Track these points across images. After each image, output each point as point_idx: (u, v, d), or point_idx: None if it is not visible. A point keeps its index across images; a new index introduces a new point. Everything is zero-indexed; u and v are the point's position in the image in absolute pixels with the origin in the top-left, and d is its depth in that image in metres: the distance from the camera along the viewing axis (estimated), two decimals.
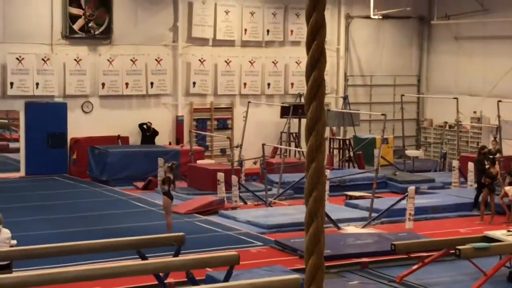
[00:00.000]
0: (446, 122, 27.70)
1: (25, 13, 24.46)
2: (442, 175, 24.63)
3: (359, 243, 15.96)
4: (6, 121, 35.21)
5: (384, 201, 19.69)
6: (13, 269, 12.17)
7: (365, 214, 18.86)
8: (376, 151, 22.73)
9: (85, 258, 13.44)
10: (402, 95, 27.84)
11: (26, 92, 24.60)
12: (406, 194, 17.81)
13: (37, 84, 24.70)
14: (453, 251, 13.22)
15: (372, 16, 28.89)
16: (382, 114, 20.78)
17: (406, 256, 14.39)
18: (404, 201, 17.95)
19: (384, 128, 20.58)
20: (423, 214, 19.00)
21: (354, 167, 26.32)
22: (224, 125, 27.94)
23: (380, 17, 29.23)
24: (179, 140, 26.51)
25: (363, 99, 30.34)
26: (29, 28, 24.48)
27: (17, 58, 24.39)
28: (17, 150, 26.64)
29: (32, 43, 24.53)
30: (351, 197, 21.16)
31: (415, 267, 14.00)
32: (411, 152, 27.81)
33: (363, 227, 17.98)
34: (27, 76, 24.55)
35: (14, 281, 9.93)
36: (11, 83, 24.39)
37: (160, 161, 22.69)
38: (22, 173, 24.96)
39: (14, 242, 12.76)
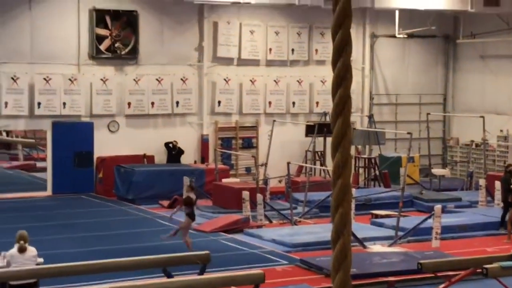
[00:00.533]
0: (472, 141, 27.55)
1: (53, 34, 24.73)
2: (469, 194, 24.46)
3: (385, 262, 15.88)
4: (33, 140, 35.57)
5: (410, 220, 19.59)
6: (40, 287, 12.25)
7: (391, 233, 18.77)
8: (402, 170, 22.64)
9: (111, 276, 13.49)
10: (428, 114, 27.74)
11: (53, 111, 24.81)
12: (432, 213, 17.71)
13: (64, 104, 24.91)
14: (480, 270, 13.11)
15: (397, 35, 28.89)
16: (408, 133, 20.72)
17: (433, 275, 14.29)
18: (430, 220, 17.85)
19: (410, 146, 20.52)
20: (449, 233, 18.87)
21: (379, 185, 26.22)
22: (249, 144, 27.98)
23: (405, 36, 29.21)
24: (204, 159, 26.59)
25: (388, 117, 30.27)
26: (56, 49, 24.74)
27: (44, 79, 24.63)
28: (44, 169, 26.86)
29: (59, 64, 24.78)
30: (377, 216, 21.08)
31: (441, 286, 13.89)
32: (437, 171, 27.66)
33: (389, 246, 17.90)
34: (54, 96, 24.78)
35: None
36: (39, 103, 24.62)
37: (186, 179, 22.76)
38: (49, 192, 25.13)
39: (40, 260, 12.84)
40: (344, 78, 2.75)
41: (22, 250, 12.25)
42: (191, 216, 16.86)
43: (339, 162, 2.75)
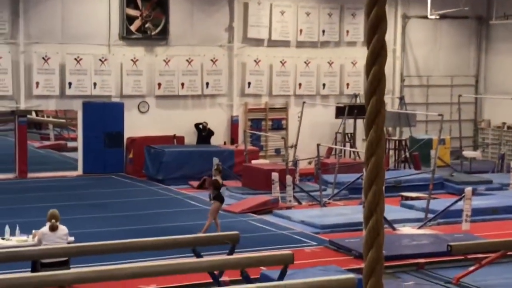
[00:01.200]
0: (504, 123, 27.30)
1: (83, 15, 24.83)
2: (500, 177, 24.29)
3: (414, 244, 15.83)
4: (64, 120, 35.83)
5: (441, 202, 19.49)
6: (71, 266, 12.37)
7: (421, 215, 18.69)
8: (432, 152, 22.51)
9: (141, 255, 13.59)
10: (459, 96, 27.52)
11: (84, 92, 24.96)
12: (463, 195, 17.61)
13: (95, 84, 25.05)
14: (511, 253, 13.02)
15: (429, 16, 28.62)
16: (439, 115, 20.56)
17: (463, 257, 14.23)
18: (461, 202, 17.75)
19: (441, 128, 20.36)
20: (480, 216, 18.76)
21: (410, 168, 26.11)
22: (278, 125, 27.96)
23: (438, 17, 28.93)
24: (233, 140, 26.62)
25: (419, 99, 30.09)
26: (87, 29, 24.85)
27: (75, 59, 24.76)
28: (75, 149, 27.06)
29: (90, 44, 24.89)
30: (407, 198, 21.01)
31: (472, 268, 13.83)
32: (468, 153, 27.48)
33: (419, 228, 17.83)
34: (85, 76, 24.91)
35: (75, 277, 10.09)
36: (70, 83, 24.77)
37: (215, 160, 22.84)
38: (79, 171, 25.33)
39: (71, 239, 12.98)
40: (379, 55, 2.72)
41: (53, 228, 12.38)
42: (219, 198, 16.85)
43: (373, 140, 2.73)
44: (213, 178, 17.25)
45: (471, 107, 30.84)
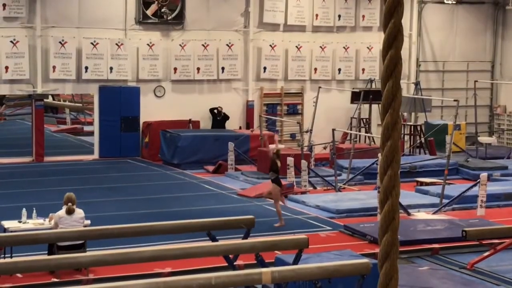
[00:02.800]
0: None
1: None
2: None
3: (429, 229, 15.84)
4: (80, 104, 35.98)
5: (456, 188, 19.47)
6: (87, 249, 12.47)
7: (436, 200, 18.69)
8: (448, 138, 22.48)
9: (156, 239, 13.66)
10: (475, 81, 27.39)
11: (100, 76, 25.03)
12: (478, 180, 17.59)
13: (111, 68, 25.11)
14: None
15: (445, 1, 28.49)
16: (455, 100, 20.51)
17: (478, 242, 14.23)
18: (476, 188, 17.73)
19: (456, 114, 20.29)
20: (495, 201, 18.74)
21: (425, 153, 26.06)
22: (294, 110, 27.96)
23: (454, 2, 28.79)
24: (249, 124, 26.64)
25: (435, 85, 29.99)
26: (103, 14, 24.89)
27: (91, 43, 24.83)
28: (91, 133, 27.20)
29: (106, 28, 24.94)
30: (422, 183, 20.99)
31: (486, 254, 13.84)
32: (483, 139, 27.38)
33: (434, 213, 17.83)
34: (101, 60, 24.97)
35: (91, 260, 10.17)
36: (86, 68, 24.85)
37: (230, 145, 22.88)
38: (96, 155, 25.44)
39: (87, 222, 13.06)
40: (395, 39, 2.75)
41: (70, 212, 12.47)
42: (277, 181, 16.68)
43: (389, 124, 2.75)
44: (276, 162, 16.93)
45: (486, 93, 30.71)
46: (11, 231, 12.70)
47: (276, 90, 27.60)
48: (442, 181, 19.27)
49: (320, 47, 27.85)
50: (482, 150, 26.46)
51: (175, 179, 22.26)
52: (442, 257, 14.53)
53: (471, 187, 18.10)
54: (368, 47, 28.49)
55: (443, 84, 30.11)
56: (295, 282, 11.00)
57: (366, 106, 26.64)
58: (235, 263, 12.38)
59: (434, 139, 25.70)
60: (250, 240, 12.31)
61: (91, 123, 28.51)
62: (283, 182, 20.06)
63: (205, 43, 26.20)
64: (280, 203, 16.92)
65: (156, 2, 25.47)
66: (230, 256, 12.12)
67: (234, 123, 26.51)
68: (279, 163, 16.84)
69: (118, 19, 25.20)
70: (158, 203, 18.60)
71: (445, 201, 18.33)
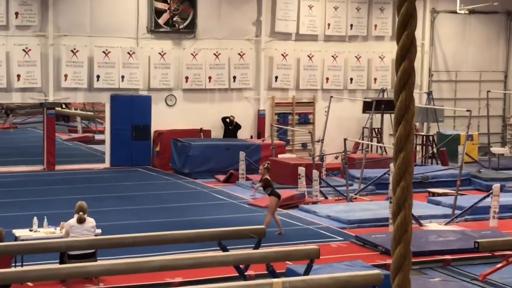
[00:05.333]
0: None
1: (112, 8, 24.96)
2: None
3: (441, 240, 15.75)
4: (92, 113, 36.07)
5: (468, 199, 19.38)
6: (97, 258, 12.45)
7: (448, 211, 18.59)
8: (460, 148, 22.39)
9: (167, 248, 13.64)
10: (488, 91, 27.32)
11: (111, 85, 25.09)
12: (490, 191, 17.49)
13: (123, 77, 25.17)
14: None
15: (458, 11, 28.44)
16: (467, 110, 20.42)
17: (490, 254, 14.13)
18: (488, 199, 17.63)
19: (469, 124, 20.23)
20: (508, 212, 18.62)
21: (437, 163, 25.97)
22: (305, 120, 27.94)
23: (467, 12, 28.75)
24: (260, 134, 26.63)
25: (447, 95, 29.92)
26: (115, 22, 24.97)
27: (103, 52, 24.90)
28: (102, 142, 27.26)
29: (118, 37, 25.01)
30: (434, 194, 20.91)
31: (499, 265, 13.74)
32: (496, 149, 27.27)
33: (446, 224, 17.74)
34: (113, 69, 25.04)
35: (101, 269, 10.16)
36: (98, 76, 24.91)
37: (242, 154, 22.86)
38: (107, 164, 25.49)
39: (98, 231, 13.05)
40: (409, 50, 2.72)
41: (81, 220, 12.46)
42: (274, 194, 16.69)
43: (402, 136, 2.73)
44: (264, 177, 17.03)
45: (499, 103, 30.61)
46: (22, 240, 12.70)
47: (288, 100, 27.60)
48: (454, 191, 19.17)
49: (332, 56, 27.85)
50: (495, 160, 26.36)
51: (186, 188, 22.25)
52: (454, 268, 14.45)
53: (484, 198, 18.00)
54: (380, 57, 28.46)
55: (456, 94, 30.04)
56: None
57: (378, 115, 26.59)
58: (246, 273, 12.35)
59: (446, 150, 25.62)
60: (261, 250, 12.28)
61: (102, 132, 28.55)
62: (294, 192, 20.06)
63: (217, 52, 26.24)
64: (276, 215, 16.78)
65: (168, 11, 25.53)
66: (241, 266, 12.09)
67: (245, 132, 26.52)
68: (269, 177, 16.84)
69: (130, 28, 25.27)
70: (169, 212, 18.59)
71: (457, 212, 18.24)
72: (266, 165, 17.62)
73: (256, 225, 13.80)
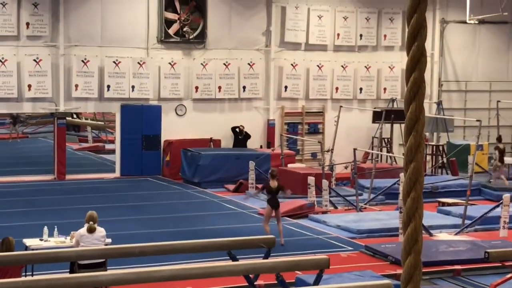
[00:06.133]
0: None
1: (122, 18, 25.06)
2: None
3: (451, 250, 15.72)
4: (102, 123, 36.16)
5: (478, 209, 19.33)
6: (108, 267, 12.47)
7: (458, 221, 18.56)
8: (470, 158, 22.34)
9: (177, 258, 13.65)
10: (498, 101, 27.28)
11: (122, 94, 25.17)
12: (500, 201, 17.45)
13: (133, 87, 25.25)
14: None
15: (468, 21, 28.40)
16: (477, 120, 20.40)
17: (500, 264, 14.09)
18: (498, 209, 17.60)
19: (479, 134, 20.20)
20: None
21: (447, 173, 25.93)
22: (315, 129, 27.95)
23: (476, 22, 28.71)
24: (270, 143, 26.65)
25: (457, 105, 29.88)
26: (126, 33, 25.06)
27: (114, 62, 24.99)
28: (112, 152, 27.32)
29: (128, 47, 25.11)
30: (443, 204, 20.87)
31: (509, 275, 13.68)
32: (506, 159, 27.16)
33: (456, 234, 17.70)
34: (123, 79, 25.12)
35: (111, 278, 10.17)
36: (108, 86, 25.00)
37: (251, 164, 22.87)
38: (117, 173, 25.54)
39: (109, 240, 13.06)
40: (419, 61, 2.74)
41: (91, 230, 12.48)
42: (269, 202, 16.76)
43: (412, 146, 2.75)
44: (269, 182, 17.10)
45: (509, 113, 30.51)
46: (33, 249, 12.74)
47: (297, 109, 27.62)
48: (464, 201, 19.14)
49: (342, 66, 27.87)
50: (505, 171, 26.27)
51: (196, 197, 22.28)
52: (464, 278, 14.42)
53: (494, 208, 17.97)
54: (389, 67, 28.47)
55: (466, 104, 29.99)
56: None
57: (388, 125, 26.57)
58: (255, 283, 12.34)
59: (456, 159, 25.58)
60: (270, 260, 12.26)
61: (112, 142, 28.62)
62: (303, 201, 20.05)
63: (227, 62, 26.30)
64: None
65: (178, 21, 25.62)
66: (251, 275, 12.08)
67: (255, 142, 26.54)
68: (272, 183, 16.80)
69: (140, 38, 25.36)
70: (179, 221, 18.60)
71: (467, 222, 18.20)
72: (270, 170, 17.70)
73: (265, 234, 13.81)
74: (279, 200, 16.83)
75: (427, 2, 2.73)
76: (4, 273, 11.26)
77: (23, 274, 12.52)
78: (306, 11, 27.23)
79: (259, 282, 12.63)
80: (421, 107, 2.77)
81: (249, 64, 26.62)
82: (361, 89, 28.28)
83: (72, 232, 13.22)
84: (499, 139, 25.02)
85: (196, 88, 26.09)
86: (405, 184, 2.80)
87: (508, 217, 17.27)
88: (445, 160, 26.24)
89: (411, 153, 2.76)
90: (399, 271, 13.72)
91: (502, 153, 24.15)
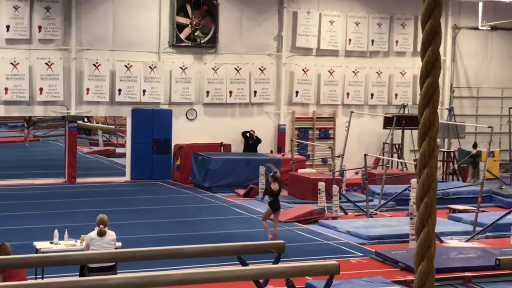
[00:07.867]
0: None
1: (134, 22, 25.10)
2: None
3: (462, 257, 15.65)
4: (113, 126, 36.23)
5: (489, 216, 19.26)
6: (117, 271, 12.47)
7: (469, 228, 18.49)
8: (481, 164, 22.28)
9: (187, 262, 13.64)
10: (510, 108, 27.19)
11: (133, 98, 25.21)
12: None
13: (144, 91, 25.28)
14: None
15: (480, 27, 28.35)
16: (489, 127, 20.33)
17: (511, 271, 14.02)
18: (510, 216, 17.52)
19: (490, 141, 20.12)
20: None
21: (458, 180, 25.85)
22: (326, 135, 27.92)
23: (488, 28, 28.65)
24: (280, 148, 26.63)
25: (469, 111, 29.79)
26: (137, 37, 25.11)
27: (125, 66, 25.03)
28: (123, 155, 27.35)
29: (140, 51, 25.15)
30: (454, 211, 20.79)
31: None
32: None
33: (467, 241, 17.63)
34: (134, 83, 25.16)
35: (121, 282, 10.16)
36: (119, 90, 25.04)
37: (262, 169, 22.85)
38: (127, 177, 25.56)
39: (119, 244, 13.07)
40: (433, 67, 2.73)
41: (101, 233, 12.49)
42: (270, 205, 17.00)
43: (426, 152, 2.73)
44: (271, 185, 17.29)
45: None
46: (43, 252, 12.76)
47: (308, 115, 27.60)
48: (475, 208, 19.07)
49: (353, 71, 27.84)
50: None
51: (206, 202, 22.27)
52: (475, 285, 14.35)
53: (505, 215, 17.89)
54: (401, 72, 28.42)
55: (477, 111, 29.90)
56: None
57: (399, 131, 26.52)
58: None
59: (467, 166, 25.50)
60: (280, 265, 12.24)
61: (123, 145, 28.66)
62: (313, 207, 20.01)
63: (238, 66, 26.31)
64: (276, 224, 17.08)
65: (189, 25, 25.65)
66: (261, 280, 12.05)
67: (265, 147, 26.52)
68: (274, 186, 16.93)
69: (152, 42, 25.40)
70: (189, 226, 18.60)
71: (478, 228, 18.13)
72: (272, 173, 17.76)
73: (276, 240, 13.79)
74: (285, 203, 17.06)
75: (441, 9, 2.71)
76: (14, 276, 11.28)
77: (33, 277, 12.54)
78: (317, 16, 27.22)
79: (269, 287, 12.59)
80: (435, 112, 2.76)
81: (260, 69, 26.62)
82: (372, 94, 28.24)
83: (82, 236, 13.23)
84: None
85: (207, 92, 26.11)
86: (418, 190, 2.78)
87: None
88: (456, 166, 26.17)
89: (424, 159, 2.74)
90: (410, 277, 13.68)
91: None
